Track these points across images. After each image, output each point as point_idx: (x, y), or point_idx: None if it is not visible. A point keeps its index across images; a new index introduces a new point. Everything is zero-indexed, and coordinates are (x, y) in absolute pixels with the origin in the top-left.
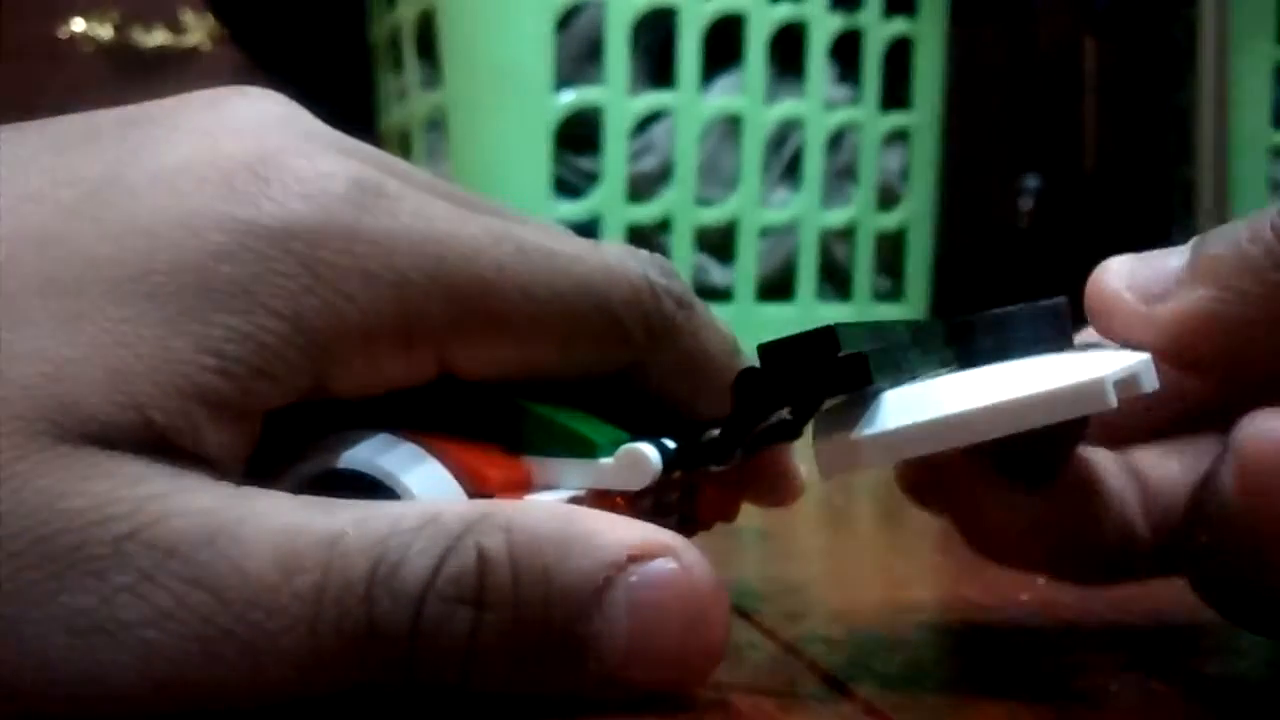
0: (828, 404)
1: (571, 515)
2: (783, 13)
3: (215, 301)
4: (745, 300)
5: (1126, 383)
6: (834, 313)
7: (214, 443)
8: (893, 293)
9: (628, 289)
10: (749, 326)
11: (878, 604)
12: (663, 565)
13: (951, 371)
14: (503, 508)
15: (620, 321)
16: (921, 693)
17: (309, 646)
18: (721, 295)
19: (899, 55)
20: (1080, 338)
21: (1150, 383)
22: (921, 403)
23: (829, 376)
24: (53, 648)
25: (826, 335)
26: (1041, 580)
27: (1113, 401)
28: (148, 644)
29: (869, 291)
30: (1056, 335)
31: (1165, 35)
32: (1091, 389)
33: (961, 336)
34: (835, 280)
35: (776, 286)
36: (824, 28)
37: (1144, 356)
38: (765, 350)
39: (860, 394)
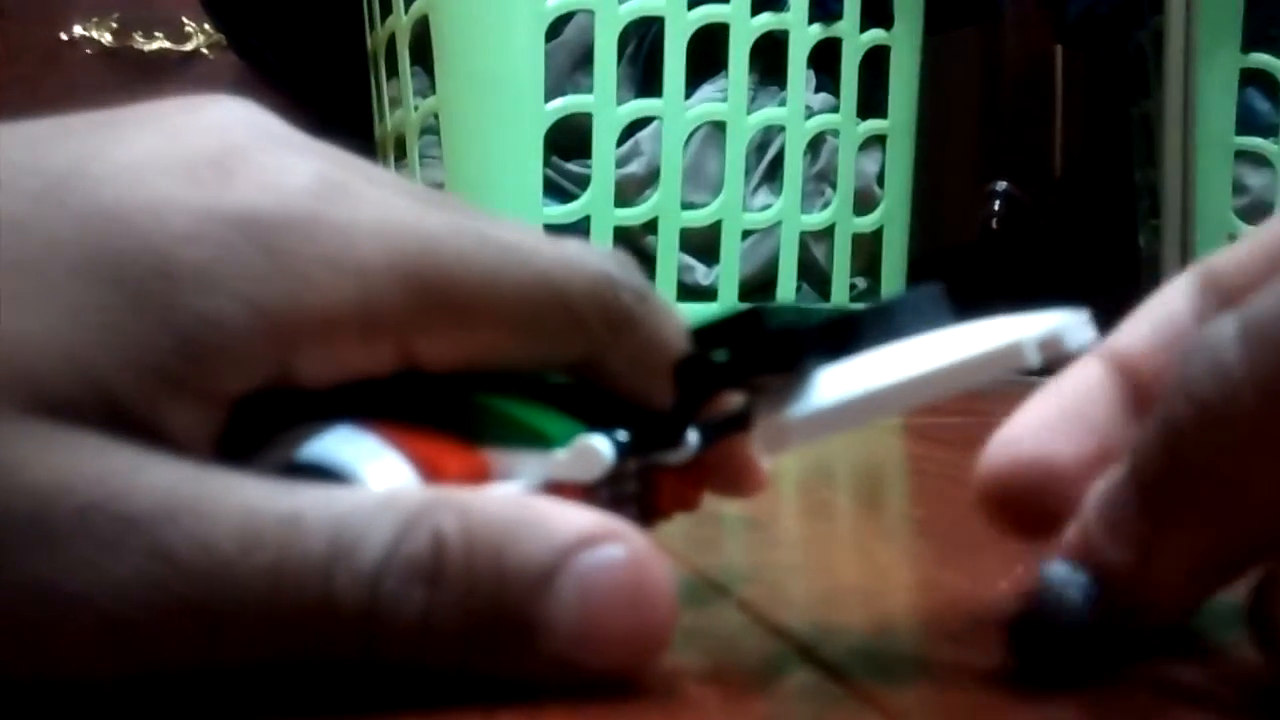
0: (770, 390)
1: (525, 502)
2: (764, 22)
3: (176, 284)
4: (729, 300)
5: (1048, 341)
6: None
7: (175, 422)
8: (869, 292)
9: (586, 281)
10: None
11: (862, 588)
12: (612, 551)
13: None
14: (459, 494)
15: (579, 312)
16: (907, 675)
17: (266, 622)
18: (706, 295)
19: (876, 64)
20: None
21: (1077, 340)
22: (850, 379)
23: (759, 354)
24: (11, 615)
25: (753, 316)
26: (1020, 568)
27: (1034, 360)
28: (106, 613)
29: (846, 291)
30: (942, 318)
31: (1133, 44)
32: (1011, 350)
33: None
34: (814, 280)
35: (758, 287)
36: (804, 37)
37: (1078, 316)
38: (697, 333)
39: (797, 377)
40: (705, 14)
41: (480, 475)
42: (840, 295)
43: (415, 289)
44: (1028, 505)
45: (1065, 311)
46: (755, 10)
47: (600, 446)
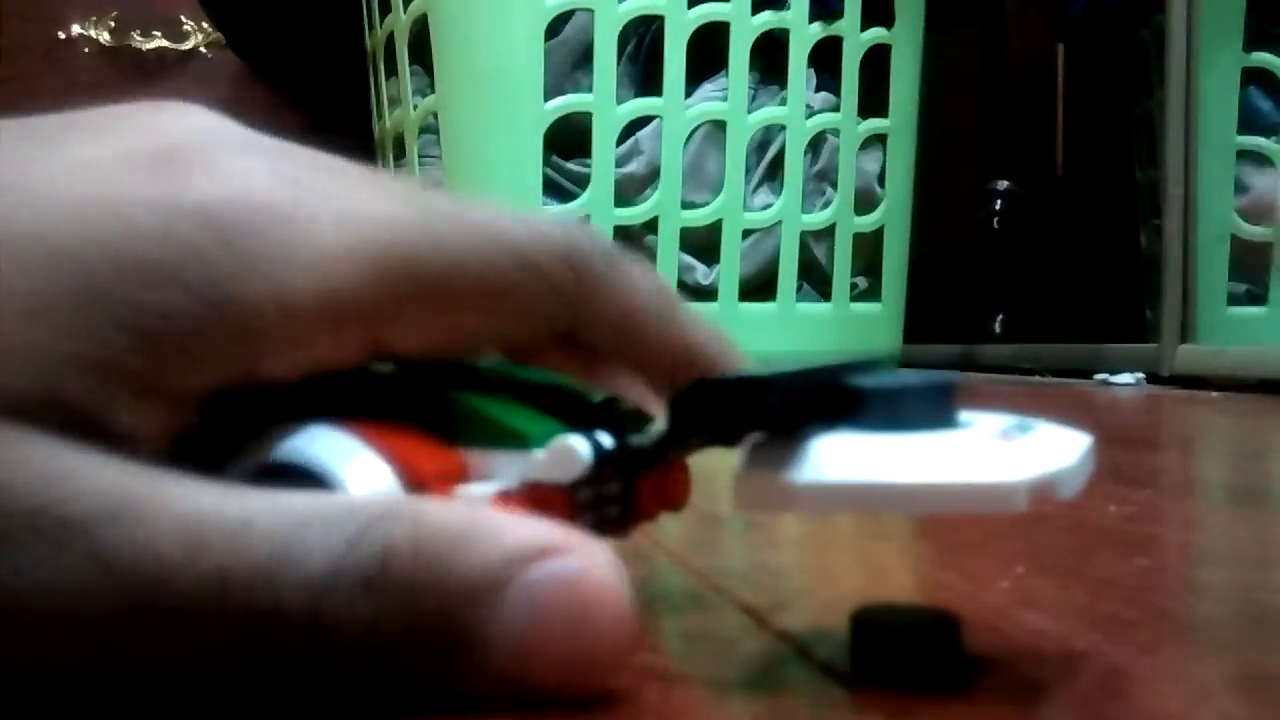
0: (765, 446)
1: (481, 512)
2: (765, 21)
3: (133, 279)
4: (729, 299)
5: (1040, 488)
6: (814, 311)
7: (131, 421)
8: (869, 292)
9: (554, 247)
10: (732, 325)
11: (861, 589)
12: (563, 564)
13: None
14: (415, 503)
15: (551, 278)
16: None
17: (212, 626)
18: (706, 295)
19: (876, 62)
20: None
21: (1071, 489)
22: (854, 460)
23: (759, 419)
24: None
25: (758, 384)
26: (1020, 568)
27: (1021, 507)
28: (54, 616)
29: (847, 290)
30: (946, 417)
31: (1134, 42)
32: (1001, 492)
33: (859, 403)
34: (814, 280)
35: (759, 286)
36: (804, 36)
37: (1080, 450)
38: (699, 384)
39: (795, 440)
40: (705, 12)
41: (458, 475)
42: (841, 295)
43: (379, 274)
44: None
45: (1069, 434)
46: (756, 9)
47: (578, 447)
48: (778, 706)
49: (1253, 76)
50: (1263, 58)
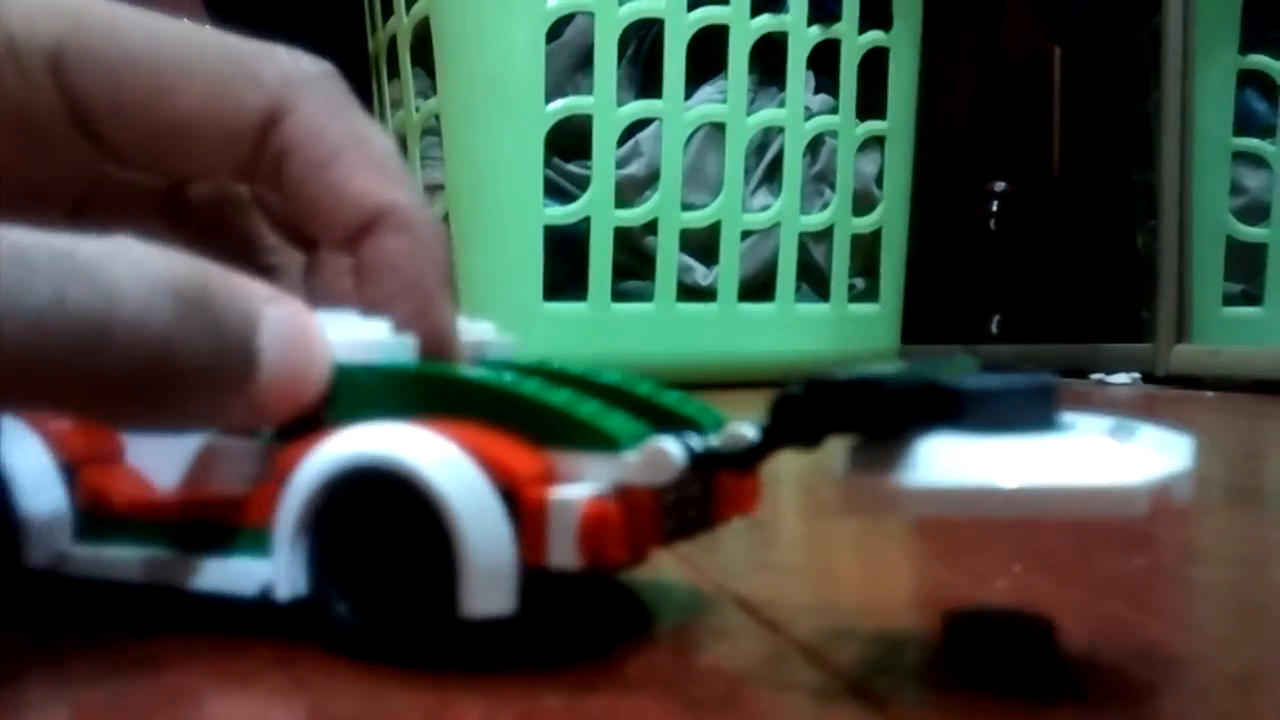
0: (867, 449)
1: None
2: (763, 24)
3: None
4: (728, 300)
5: (1159, 492)
6: (812, 312)
7: None
8: (868, 292)
9: (264, 49)
10: (731, 325)
11: (862, 588)
12: (286, 308)
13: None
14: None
15: (256, 73)
16: (907, 674)
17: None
18: (705, 295)
19: (875, 65)
20: None
21: (1185, 493)
22: (964, 463)
23: (868, 422)
24: None
25: (872, 386)
26: (1018, 567)
27: (1142, 512)
28: None
29: (845, 291)
30: (1048, 415)
31: (1131, 44)
32: (1124, 495)
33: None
34: (813, 280)
35: (758, 287)
36: (803, 38)
37: (1189, 452)
38: (813, 386)
39: (897, 442)
40: (705, 15)
41: (549, 477)
42: (839, 297)
43: (93, 61)
44: None
45: (1173, 436)
46: (755, 12)
47: (673, 451)
48: (778, 705)
49: (1249, 79)
50: (1259, 60)
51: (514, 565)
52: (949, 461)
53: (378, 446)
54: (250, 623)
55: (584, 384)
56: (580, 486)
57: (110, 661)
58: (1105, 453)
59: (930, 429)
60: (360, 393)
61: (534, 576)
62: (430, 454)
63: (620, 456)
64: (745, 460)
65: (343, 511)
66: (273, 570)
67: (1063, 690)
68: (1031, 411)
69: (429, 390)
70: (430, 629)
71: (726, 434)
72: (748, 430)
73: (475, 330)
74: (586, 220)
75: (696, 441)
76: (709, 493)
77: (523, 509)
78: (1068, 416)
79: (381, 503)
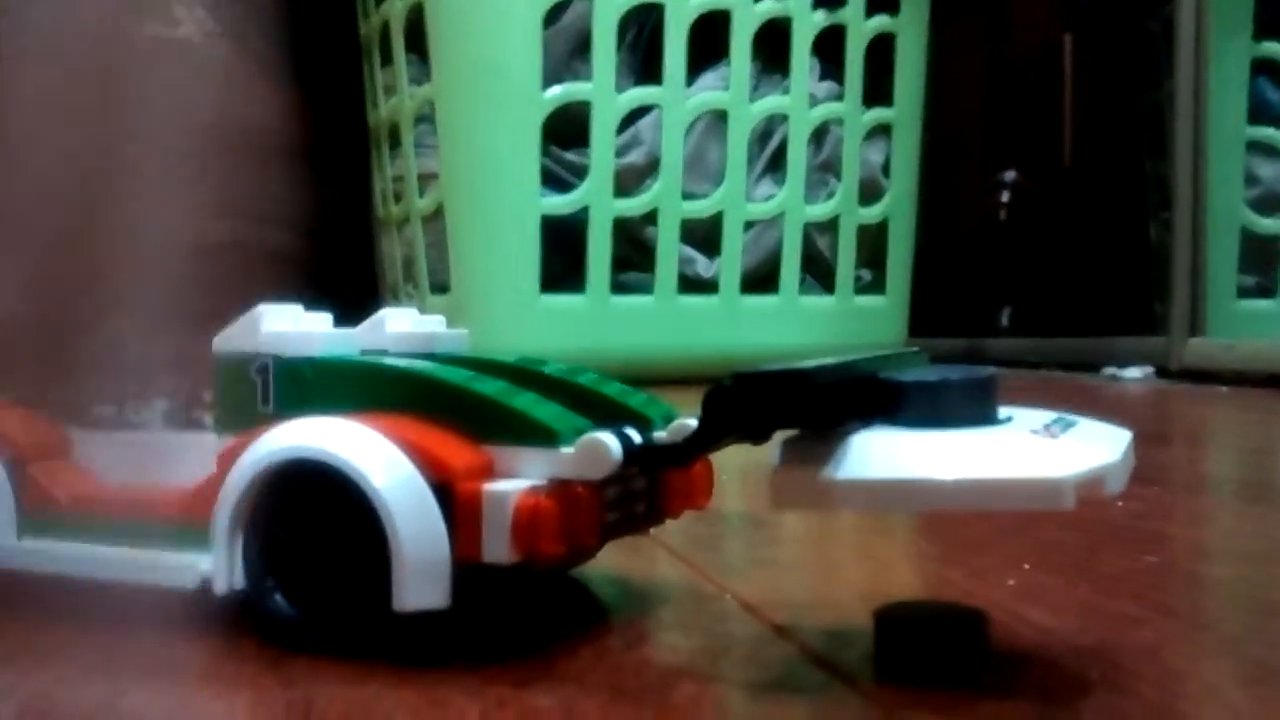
0: (801, 442)
1: None
2: (767, 9)
3: None
4: (730, 292)
5: (1089, 483)
6: (817, 305)
7: None
8: (874, 284)
9: None
10: (734, 318)
11: (863, 586)
12: None
13: (895, 425)
14: None
15: None
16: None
17: None
18: (708, 287)
19: (881, 51)
20: None
21: (1118, 484)
22: (895, 457)
23: (799, 415)
24: None
25: (800, 378)
26: (1027, 565)
27: (1070, 504)
28: None
29: (851, 283)
30: (986, 411)
31: (1143, 32)
32: (1050, 488)
33: (897, 396)
34: (818, 272)
35: (761, 279)
36: (808, 24)
37: (1124, 445)
38: (740, 378)
39: (834, 435)
40: (707, 0)
41: (484, 471)
42: (845, 288)
43: None
44: None
45: (1111, 429)
46: None
47: (610, 444)
48: (779, 703)
49: (1262, 67)
50: (1272, 48)
51: (448, 560)
52: (879, 455)
53: (312, 441)
54: (250, 622)
55: (526, 376)
56: (515, 481)
57: (104, 663)
58: (1035, 446)
59: (866, 423)
60: (302, 386)
61: (470, 570)
62: (364, 449)
63: (558, 451)
64: (683, 454)
65: (279, 506)
66: (212, 564)
67: (987, 683)
68: (968, 405)
69: (371, 384)
70: (366, 622)
71: (673, 428)
72: (693, 424)
73: (426, 323)
74: (585, 210)
75: (635, 435)
76: (656, 487)
77: (456, 503)
78: (1006, 410)
79: (317, 497)
